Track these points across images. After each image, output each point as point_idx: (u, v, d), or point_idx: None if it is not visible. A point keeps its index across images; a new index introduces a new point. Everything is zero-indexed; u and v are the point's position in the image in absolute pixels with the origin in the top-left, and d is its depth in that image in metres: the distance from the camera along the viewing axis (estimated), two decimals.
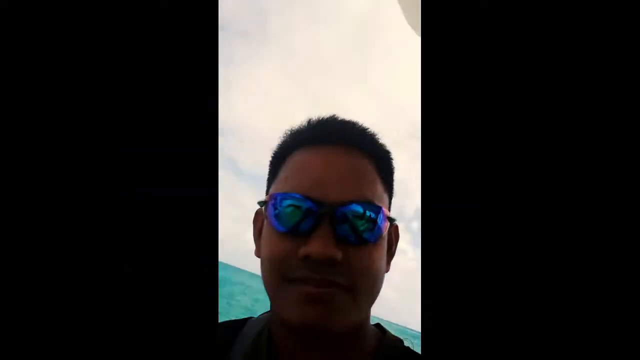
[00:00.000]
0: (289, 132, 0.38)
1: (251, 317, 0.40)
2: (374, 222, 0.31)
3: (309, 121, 0.37)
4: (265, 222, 0.34)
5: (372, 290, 0.32)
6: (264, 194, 0.38)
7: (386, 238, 0.33)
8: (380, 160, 0.35)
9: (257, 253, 0.36)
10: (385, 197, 0.35)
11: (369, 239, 0.31)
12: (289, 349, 0.33)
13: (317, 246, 0.28)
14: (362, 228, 0.30)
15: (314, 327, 0.29)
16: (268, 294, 0.33)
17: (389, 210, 0.34)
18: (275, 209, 0.31)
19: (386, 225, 0.32)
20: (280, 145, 0.38)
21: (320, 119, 0.37)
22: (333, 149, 0.33)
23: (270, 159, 0.39)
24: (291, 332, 0.32)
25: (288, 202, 0.30)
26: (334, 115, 0.36)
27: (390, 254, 0.35)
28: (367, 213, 0.31)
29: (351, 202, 0.30)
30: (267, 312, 0.39)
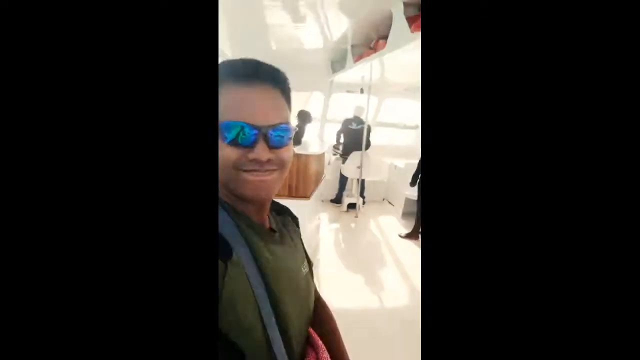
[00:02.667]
0: (219, 65, 0.52)
1: None
2: (287, 134, 0.52)
3: (231, 60, 0.54)
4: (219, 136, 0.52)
5: (287, 169, 0.56)
6: None
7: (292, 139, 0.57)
8: (285, 90, 0.54)
9: None
10: (289, 112, 0.56)
11: (285, 143, 0.53)
12: (242, 209, 0.56)
13: (260, 153, 0.50)
14: (281, 138, 0.51)
15: (263, 197, 0.54)
16: (224, 183, 0.53)
17: (290, 114, 0.57)
18: (229, 130, 0.49)
19: (292, 132, 0.55)
20: None
21: (241, 59, 0.54)
22: (258, 86, 0.51)
23: None
24: (244, 199, 0.54)
25: (238, 127, 0.49)
26: (252, 59, 0.54)
27: (294, 142, 0.60)
28: (284, 130, 0.52)
29: (275, 124, 0.51)
30: None
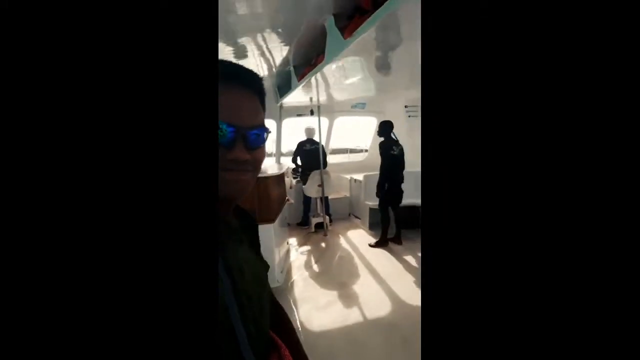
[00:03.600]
0: None
1: None
2: (263, 135, 0.55)
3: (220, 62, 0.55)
4: None
5: (260, 170, 0.58)
6: None
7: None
8: (261, 93, 0.57)
9: None
10: (264, 115, 0.59)
11: (261, 144, 0.55)
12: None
13: (238, 153, 0.51)
14: (257, 140, 0.54)
15: (238, 196, 0.56)
16: None
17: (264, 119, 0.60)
18: None
19: (267, 135, 0.58)
20: None
21: (222, 60, 0.54)
22: (237, 87, 0.53)
23: None
24: (222, 198, 0.54)
25: (220, 127, 0.50)
26: (231, 61, 0.56)
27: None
28: (260, 132, 0.54)
29: (253, 127, 0.53)
30: None
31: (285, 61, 2.88)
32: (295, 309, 2.41)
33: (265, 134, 0.56)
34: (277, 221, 2.92)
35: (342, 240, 3.96)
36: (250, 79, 0.55)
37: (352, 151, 5.90)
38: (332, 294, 2.63)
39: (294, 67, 3.00)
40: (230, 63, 0.55)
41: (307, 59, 2.70)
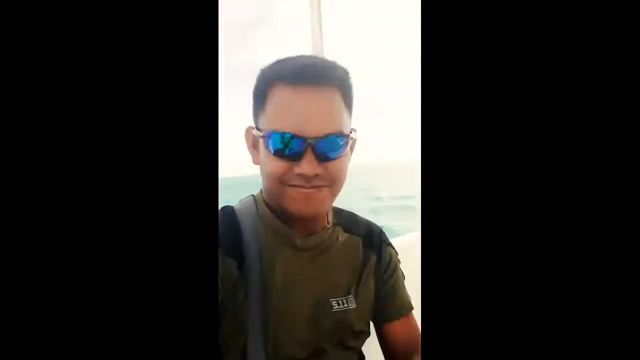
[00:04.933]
0: (267, 68, 0.49)
1: (226, 207, 0.57)
2: (341, 145, 0.47)
3: (285, 59, 0.48)
4: (261, 146, 0.48)
5: (341, 184, 0.50)
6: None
7: (349, 148, 0.50)
8: (346, 91, 0.48)
9: (256, 161, 0.52)
10: (349, 118, 0.49)
11: (339, 155, 0.47)
12: (283, 220, 0.52)
13: (307, 167, 0.44)
14: (333, 150, 0.46)
15: (308, 214, 0.48)
16: (269, 192, 0.52)
17: (350, 120, 0.50)
18: (273, 142, 0.45)
19: (348, 142, 0.48)
20: (261, 79, 0.49)
21: (297, 56, 0.49)
22: (310, 88, 0.45)
23: (253, 90, 0.51)
24: (287, 215, 0.50)
25: (281, 138, 0.44)
26: (309, 55, 0.50)
27: (351, 151, 0.53)
28: (337, 140, 0.46)
29: (327, 135, 0.45)
30: (243, 200, 0.58)
31: None
32: None
33: (345, 140, 0.47)
34: None
35: None
36: (329, 75, 0.46)
37: None
38: None
39: None
40: (298, 58, 0.47)
41: None
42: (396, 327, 0.58)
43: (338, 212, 0.61)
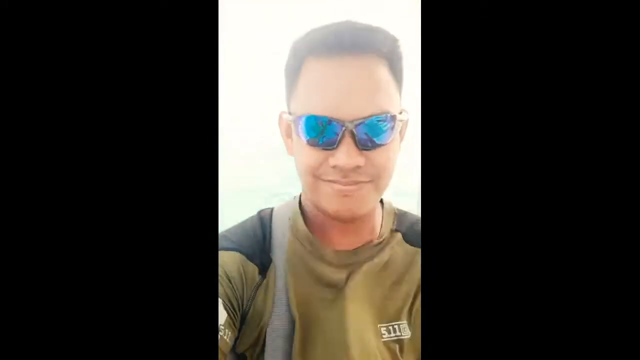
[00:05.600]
0: (300, 39, 0.40)
1: (265, 209, 0.49)
2: (388, 128, 0.37)
3: (320, 27, 0.39)
4: (294, 133, 0.40)
5: (388, 179, 0.40)
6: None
7: (398, 133, 0.40)
8: (393, 59, 0.39)
9: (290, 152, 0.43)
10: (397, 94, 0.40)
11: (384, 142, 0.37)
12: (321, 224, 0.44)
13: (343, 157, 0.36)
14: (378, 136, 0.37)
15: (346, 215, 0.39)
16: (304, 186, 0.42)
17: (400, 97, 0.41)
18: (305, 128, 0.37)
19: (397, 125, 0.39)
20: (292, 53, 0.41)
21: (331, 24, 0.39)
22: (348, 60, 0.36)
23: (285, 67, 0.42)
24: (325, 215, 0.41)
25: (315, 123, 0.36)
26: (345, 20, 0.38)
27: (401, 137, 0.43)
28: (382, 124, 0.37)
29: (368, 116, 0.36)
30: (285, 203, 0.49)
31: None
32: None
33: (392, 123, 0.37)
34: None
35: None
36: (365, 40, 0.37)
37: None
38: None
39: None
40: (333, 26, 0.38)
41: None
42: None
43: (400, 215, 0.49)
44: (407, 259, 0.45)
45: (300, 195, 0.48)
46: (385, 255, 0.45)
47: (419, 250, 0.45)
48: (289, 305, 0.41)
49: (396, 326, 0.43)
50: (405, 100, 0.42)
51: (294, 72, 0.40)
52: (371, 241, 0.45)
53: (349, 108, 0.36)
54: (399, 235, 0.47)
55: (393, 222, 0.48)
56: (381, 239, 0.45)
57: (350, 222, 0.41)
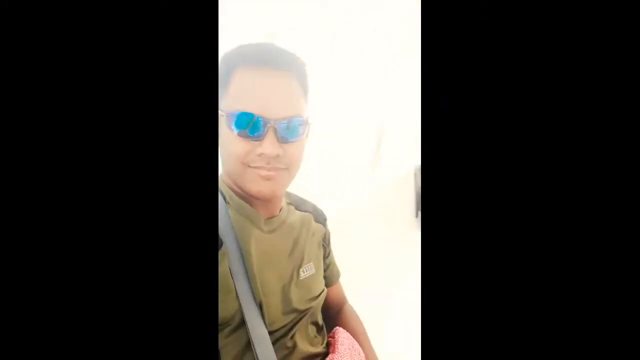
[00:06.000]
0: (231, 51, 0.50)
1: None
2: (300, 128, 0.49)
3: (248, 44, 0.50)
4: (223, 127, 0.48)
5: (297, 168, 0.52)
6: None
7: (306, 134, 0.53)
8: (302, 77, 0.50)
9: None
10: (304, 102, 0.51)
11: (297, 138, 0.49)
12: (248, 202, 0.53)
13: (269, 147, 0.46)
14: (293, 133, 0.48)
15: (268, 196, 0.49)
16: (231, 174, 0.52)
17: (306, 109, 0.52)
18: (237, 122, 0.46)
19: (306, 126, 0.51)
20: (224, 62, 0.50)
21: (257, 43, 0.50)
22: (272, 72, 0.47)
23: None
24: (249, 195, 0.51)
25: (245, 118, 0.45)
26: (269, 42, 0.49)
27: (306, 136, 0.54)
28: (296, 124, 0.48)
29: (289, 117, 0.47)
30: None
31: None
32: None
33: (303, 125, 0.49)
34: None
35: None
36: (287, 61, 0.48)
37: None
38: None
39: None
40: (265, 45, 0.49)
41: None
42: (332, 291, 0.67)
43: (287, 194, 0.66)
44: (305, 220, 0.62)
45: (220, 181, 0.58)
46: (291, 221, 0.59)
47: (305, 212, 0.62)
48: (246, 275, 0.49)
49: (307, 267, 0.57)
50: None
51: (224, 78, 0.49)
52: (281, 212, 0.58)
53: (273, 109, 0.46)
54: (292, 206, 0.62)
55: (286, 198, 0.63)
56: (286, 211, 0.60)
57: (269, 200, 0.53)
